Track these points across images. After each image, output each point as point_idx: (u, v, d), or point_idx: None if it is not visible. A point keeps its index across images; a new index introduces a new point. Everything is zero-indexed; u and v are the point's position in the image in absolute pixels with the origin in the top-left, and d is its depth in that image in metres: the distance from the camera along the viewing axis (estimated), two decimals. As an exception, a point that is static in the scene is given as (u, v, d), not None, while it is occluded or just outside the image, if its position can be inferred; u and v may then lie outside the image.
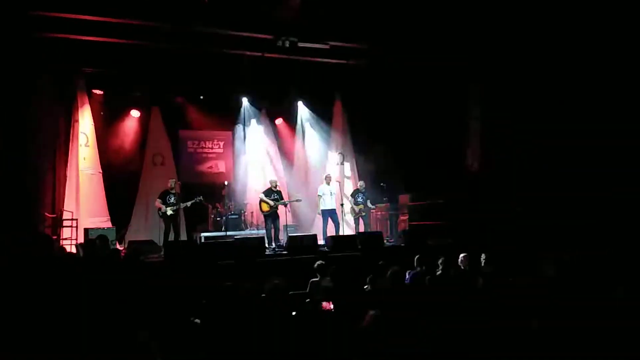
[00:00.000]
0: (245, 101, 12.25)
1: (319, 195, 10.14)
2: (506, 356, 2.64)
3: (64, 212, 9.48)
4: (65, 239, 9.22)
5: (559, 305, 2.93)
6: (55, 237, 8.93)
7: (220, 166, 12.38)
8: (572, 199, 7.40)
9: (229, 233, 10.19)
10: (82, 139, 10.21)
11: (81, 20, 8.03)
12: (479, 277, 5.45)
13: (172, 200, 9.48)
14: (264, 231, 9.79)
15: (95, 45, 8.94)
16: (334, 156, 12.64)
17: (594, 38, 7.50)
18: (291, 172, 12.59)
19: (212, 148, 12.40)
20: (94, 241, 6.54)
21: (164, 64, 10.09)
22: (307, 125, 12.79)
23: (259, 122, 12.53)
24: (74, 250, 8.51)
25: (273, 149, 12.66)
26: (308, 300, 5.46)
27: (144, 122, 11.45)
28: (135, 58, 9.63)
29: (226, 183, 11.68)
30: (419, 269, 6.24)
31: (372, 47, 9.88)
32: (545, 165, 8.22)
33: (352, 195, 10.54)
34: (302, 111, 12.79)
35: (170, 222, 9.45)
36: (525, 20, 8.27)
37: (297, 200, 10.65)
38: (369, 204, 10.24)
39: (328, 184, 10.18)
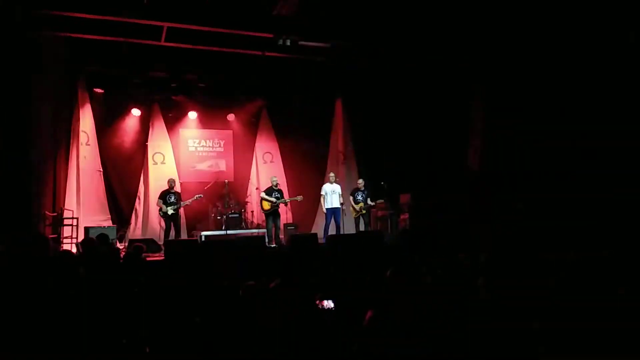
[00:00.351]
0: (245, 100, 12.24)
1: (322, 195, 10.15)
2: (506, 357, 2.64)
3: (65, 211, 9.50)
4: (66, 237, 9.23)
5: (561, 306, 2.92)
6: (55, 235, 8.94)
7: (221, 165, 12.39)
8: (573, 200, 7.38)
9: (229, 232, 10.21)
10: (82, 138, 10.23)
11: (81, 19, 8.02)
12: (479, 277, 5.44)
13: (173, 199, 9.50)
14: (265, 230, 9.80)
15: (96, 43, 8.95)
16: (334, 155, 12.62)
17: (596, 40, 7.49)
18: (291, 171, 12.59)
19: (212, 147, 12.40)
20: (93, 240, 6.54)
21: (164, 63, 10.10)
22: (307, 124, 12.77)
23: (258, 121, 12.53)
24: (73, 249, 8.52)
25: (273, 148, 12.66)
26: (308, 299, 5.45)
27: (144, 120, 11.45)
28: (136, 57, 9.62)
29: (227, 182, 11.68)
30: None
31: (374, 47, 9.86)
32: (547, 166, 8.20)
33: (352, 193, 10.54)
34: (303, 110, 12.78)
35: (171, 221, 9.49)
36: (529, 21, 8.25)
37: (297, 199, 10.68)
38: (368, 202, 10.24)
39: (331, 182, 10.19)
